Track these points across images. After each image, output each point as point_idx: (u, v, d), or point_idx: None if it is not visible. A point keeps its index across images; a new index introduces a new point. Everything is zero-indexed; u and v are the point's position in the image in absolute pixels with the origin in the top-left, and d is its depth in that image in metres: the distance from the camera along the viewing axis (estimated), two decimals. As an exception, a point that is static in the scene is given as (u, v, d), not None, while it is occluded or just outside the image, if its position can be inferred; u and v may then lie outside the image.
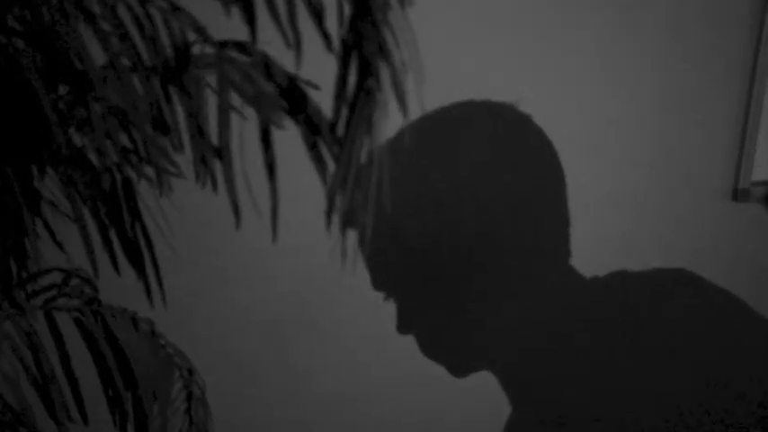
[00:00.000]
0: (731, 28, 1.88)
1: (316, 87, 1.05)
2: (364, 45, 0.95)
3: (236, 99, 1.33)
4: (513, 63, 1.74)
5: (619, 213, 1.95)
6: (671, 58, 1.85)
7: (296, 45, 0.93)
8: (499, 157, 1.80)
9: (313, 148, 1.06)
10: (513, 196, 1.83)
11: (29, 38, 1.15)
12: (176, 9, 1.00)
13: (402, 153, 1.61)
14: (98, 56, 1.35)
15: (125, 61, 1.13)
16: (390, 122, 1.57)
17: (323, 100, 1.40)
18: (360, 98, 0.97)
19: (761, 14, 1.89)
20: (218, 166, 1.46)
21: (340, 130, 1.02)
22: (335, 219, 1.56)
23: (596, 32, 1.78)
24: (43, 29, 1.12)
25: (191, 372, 1.54)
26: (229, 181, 1.08)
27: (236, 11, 1.28)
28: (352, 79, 0.99)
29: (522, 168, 1.82)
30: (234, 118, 1.34)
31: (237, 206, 1.08)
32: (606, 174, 1.90)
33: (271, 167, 1.08)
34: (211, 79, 1.34)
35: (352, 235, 1.64)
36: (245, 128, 1.37)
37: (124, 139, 1.24)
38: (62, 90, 1.23)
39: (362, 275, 1.77)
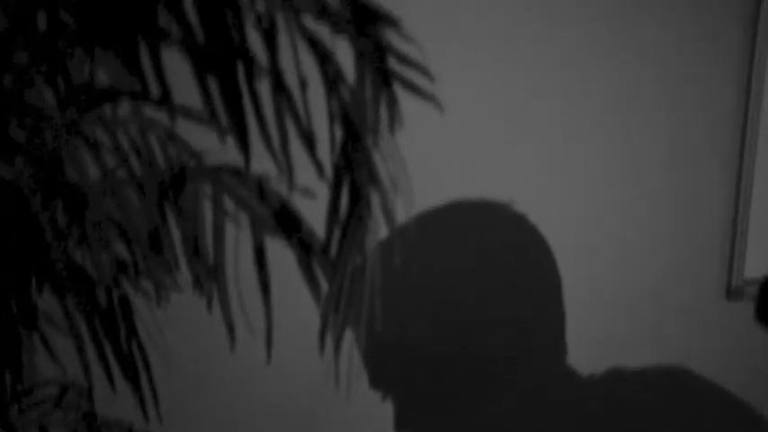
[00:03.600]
0: (718, 128, 1.92)
1: (311, 197, 1.07)
2: (355, 171, 0.98)
3: (230, 221, 1.36)
4: (509, 162, 1.77)
5: (613, 312, 1.95)
6: (664, 159, 1.89)
7: (288, 173, 0.96)
8: (494, 257, 1.81)
9: (306, 268, 1.08)
10: (509, 295, 1.84)
11: (29, 155, 1.18)
12: (173, 137, 1.03)
13: (399, 259, 1.63)
14: (95, 173, 1.38)
15: (122, 177, 1.16)
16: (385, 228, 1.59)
17: (316, 220, 1.43)
18: (351, 222, 1.00)
19: (744, 106, 1.93)
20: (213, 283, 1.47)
21: (333, 251, 1.04)
22: (329, 340, 1.57)
23: (590, 139, 1.82)
24: (44, 147, 1.15)
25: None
26: (224, 302, 1.10)
27: (231, 137, 1.31)
28: (345, 201, 1.02)
29: (517, 268, 1.84)
30: (229, 236, 1.36)
31: (232, 327, 1.09)
32: (600, 273, 1.91)
33: (265, 287, 1.09)
34: (207, 196, 1.37)
35: (345, 357, 1.64)
36: (239, 246, 1.39)
37: (122, 250, 1.25)
38: (60, 205, 1.25)
39: (360, 404, 1.77)
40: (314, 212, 1.45)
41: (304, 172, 1.46)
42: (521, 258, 1.83)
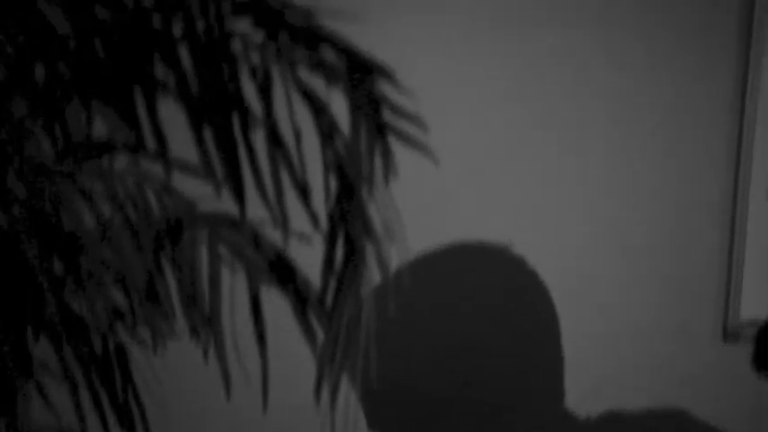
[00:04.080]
0: (711, 169, 1.93)
1: (307, 243, 1.07)
2: (349, 222, 0.98)
3: (226, 269, 1.37)
4: (504, 205, 1.78)
5: (609, 354, 1.95)
6: (659, 200, 1.90)
7: (283, 225, 0.97)
8: (490, 300, 1.81)
9: (302, 317, 1.08)
10: (506, 338, 1.84)
11: (26, 205, 1.18)
12: (169, 189, 1.04)
13: (393, 307, 1.63)
14: (91, 220, 1.38)
15: (118, 225, 1.16)
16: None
17: (312, 267, 1.43)
18: (347, 272, 1.00)
19: (737, 152, 1.94)
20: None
21: (328, 301, 1.04)
22: (325, 389, 1.57)
23: (585, 182, 1.83)
24: (41, 198, 1.16)
25: None
26: (220, 351, 1.10)
27: (226, 188, 1.32)
28: (340, 252, 1.02)
29: (514, 310, 1.84)
30: (224, 284, 1.36)
31: (228, 376, 1.09)
32: (595, 315, 1.91)
33: (261, 337, 1.10)
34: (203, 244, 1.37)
35: (342, 406, 1.64)
36: (235, 295, 1.40)
37: (118, 297, 1.25)
38: (56, 253, 1.25)
39: None
40: (309, 259, 1.46)
41: (299, 219, 1.47)
42: (517, 301, 1.84)
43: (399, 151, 1.46)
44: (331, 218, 1.00)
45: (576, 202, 1.84)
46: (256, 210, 1.41)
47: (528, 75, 1.72)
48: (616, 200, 1.87)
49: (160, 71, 1.14)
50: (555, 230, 1.83)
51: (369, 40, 1.47)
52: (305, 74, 1.04)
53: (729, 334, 2.01)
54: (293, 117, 0.99)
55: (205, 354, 1.09)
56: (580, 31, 1.75)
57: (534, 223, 1.81)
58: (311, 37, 1.03)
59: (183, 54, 1.16)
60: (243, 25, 1.09)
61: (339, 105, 1.06)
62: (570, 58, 1.76)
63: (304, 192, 0.99)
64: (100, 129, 1.25)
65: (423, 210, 1.61)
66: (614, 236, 1.88)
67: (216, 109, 1.08)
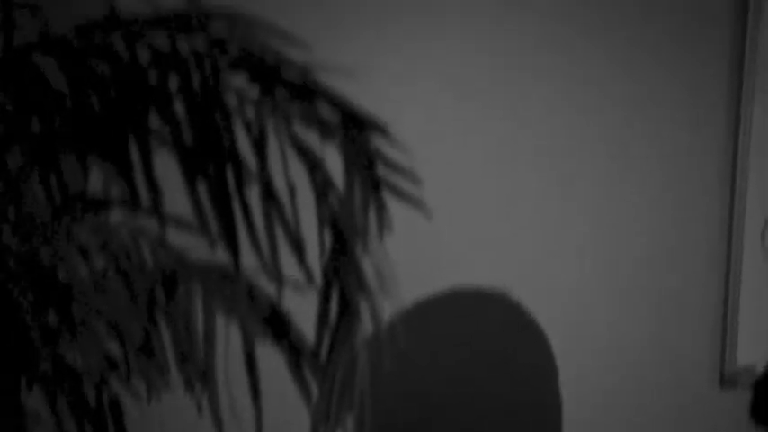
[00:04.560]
0: (706, 208, 1.94)
1: (302, 294, 1.07)
2: (344, 278, 0.99)
3: (220, 320, 1.37)
4: (497, 254, 1.78)
5: (606, 400, 1.94)
6: (652, 250, 1.90)
7: (278, 280, 0.97)
8: (489, 345, 1.81)
9: (296, 371, 1.08)
10: (506, 383, 1.83)
11: (21, 260, 1.18)
12: (164, 244, 1.04)
13: (388, 361, 1.63)
14: (85, 270, 1.38)
15: (112, 278, 1.16)
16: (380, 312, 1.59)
17: (306, 321, 1.43)
18: (341, 327, 1.00)
19: (730, 199, 1.94)
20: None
21: (323, 355, 1.04)
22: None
23: (580, 228, 1.83)
24: (36, 254, 1.16)
25: None
26: (214, 404, 1.09)
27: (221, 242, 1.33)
28: (334, 307, 1.02)
29: (512, 356, 1.84)
30: (219, 335, 1.36)
31: (222, 429, 1.09)
32: (591, 362, 1.91)
33: (255, 391, 1.09)
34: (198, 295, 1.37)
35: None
36: (230, 347, 1.39)
37: (113, 348, 1.25)
38: (50, 306, 1.25)
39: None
40: (303, 307, 1.46)
41: (294, 268, 1.47)
42: (513, 346, 1.83)
43: (393, 204, 1.47)
44: (325, 273, 1.00)
45: (571, 249, 1.84)
46: (252, 256, 1.41)
47: (520, 129, 1.73)
48: (609, 247, 1.87)
49: (155, 123, 1.14)
50: (549, 278, 1.83)
51: (363, 95, 1.49)
52: (300, 129, 1.05)
53: (726, 380, 2.00)
54: (288, 172, 1.00)
55: (199, 407, 1.09)
56: (574, 82, 1.77)
57: (528, 271, 1.82)
58: (306, 93, 1.04)
59: (179, 106, 1.17)
60: (238, 80, 1.10)
61: (334, 159, 1.07)
62: (564, 106, 1.77)
63: (298, 247, 0.99)
64: (96, 181, 1.25)
65: (416, 261, 1.62)
66: (609, 282, 1.88)
67: (210, 162, 1.08)
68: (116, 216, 1.12)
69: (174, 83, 1.13)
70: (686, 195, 1.91)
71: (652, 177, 1.88)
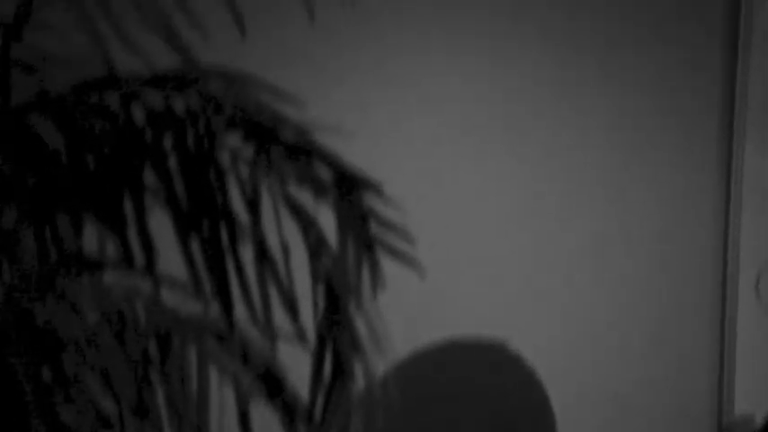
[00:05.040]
0: (699, 258, 1.94)
1: (298, 348, 1.07)
2: (337, 337, 0.99)
3: (214, 377, 1.36)
4: (492, 309, 1.78)
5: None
6: (648, 303, 1.91)
7: (271, 340, 0.97)
8: (486, 402, 1.80)
9: (291, 431, 1.07)
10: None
11: (14, 319, 1.18)
12: (157, 303, 1.04)
13: (384, 415, 1.62)
14: (80, 331, 1.38)
15: (107, 334, 1.16)
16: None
17: (300, 379, 1.43)
18: (335, 387, 1.00)
19: (724, 236, 1.94)
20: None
21: (317, 415, 1.04)
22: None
23: (573, 285, 1.84)
24: (30, 313, 1.16)
25: None
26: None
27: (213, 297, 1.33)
28: (328, 367, 1.02)
29: (510, 410, 1.83)
30: (213, 395, 1.35)
31: (215, 490, 1.08)
32: (589, 416, 1.90)
33: (249, 451, 1.08)
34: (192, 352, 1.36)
35: None
36: (224, 405, 1.38)
37: (108, 405, 1.24)
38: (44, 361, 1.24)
39: None
40: (298, 367, 1.45)
41: (288, 324, 1.46)
42: (512, 401, 1.82)
43: (387, 262, 1.47)
44: (319, 332, 1.00)
45: (568, 303, 1.84)
46: (246, 314, 1.41)
47: (514, 182, 1.74)
48: (605, 303, 1.87)
49: (150, 178, 1.15)
50: (546, 331, 1.83)
51: (356, 152, 1.50)
52: (293, 187, 1.05)
53: (724, 430, 1.99)
54: (281, 231, 1.00)
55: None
56: (565, 134, 1.79)
57: (523, 324, 1.81)
58: (301, 152, 1.05)
59: (173, 162, 1.18)
60: (233, 139, 1.11)
61: (327, 217, 1.07)
62: (560, 153, 1.79)
63: (292, 306, 0.99)
64: (91, 236, 1.26)
65: (411, 318, 1.62)
66: (605, 336, 1.88)
67: (204, 220, 1.09)
68: (111, 274, 1.12)
69: (168, 141, 1.14)
70: (680, 247, 1.92)
71: (648, 225, 1.89)
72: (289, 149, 1.05)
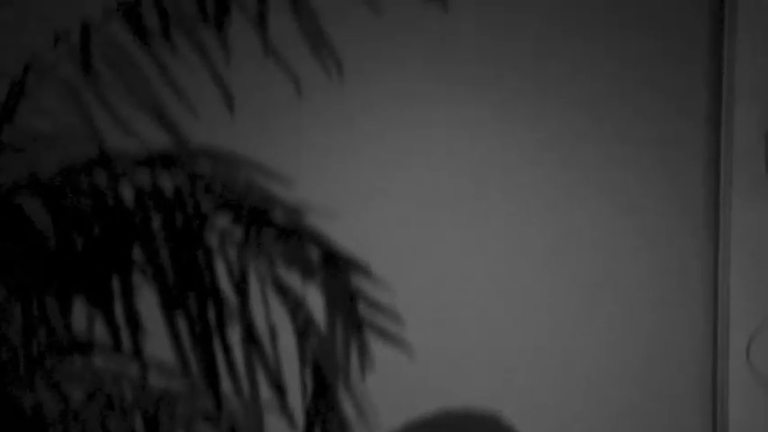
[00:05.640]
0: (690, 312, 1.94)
1: (291, 426, 1.06)
2: (326, 419, 0.98)
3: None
4: (487, 375, 1.77)
5: None
6: (637, 373, 1.90)
7: (259, 421, 0.96)
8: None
9: None
10: None
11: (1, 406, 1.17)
12: (145, 387, 1.03)
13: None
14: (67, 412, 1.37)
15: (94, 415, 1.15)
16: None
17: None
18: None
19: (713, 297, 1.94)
20: None
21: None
22: None
23: (567, 351, 1.83)
24: (18, 399, 1.15)
25: None
26: None
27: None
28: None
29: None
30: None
31: None
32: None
33: None
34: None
35: None
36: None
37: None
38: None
39: None
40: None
41: (275, 410, 1.45)
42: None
43: (375, 342, 1.47)
44: (307, 414, 1.00)
45: (557, 375, 1.83)
46: (233, 396, 1.40)
47: (496, 263, 1.75)
48: (593, 366, 1.87)
49: (138, 254, 1.15)
50: (536, 403, 1.82)
51: (344, 231, 1.51)
52: (281, 269, 1.06)
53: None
54: (269, 313, 1.00)
55: None
56: (552, 198, 1.80)
57: (513, 397, 1.81)
58: (290, 233, 1.06)
59: (161, 241, 1.18)
60: (222, 220, 1.11)
61: (315, 297, 1.07)
62: (547, 226, 1.80)
63: (279, 389, 0.99)
64: (79, 312, 1.25)
65: (399, 398, 1.61)
66: (596, 403, 1.87)
67: (192, 301, 1.09)
68: (99, 356, 1.12)
69: (157, 221, 1.15)
70: (671, 316, 1.92)
71: (638, 293, 1.89)
72: (278, 231, 1.06)
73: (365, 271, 1.05)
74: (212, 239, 1.10)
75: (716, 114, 1.92)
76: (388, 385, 1.57)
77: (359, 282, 1.05)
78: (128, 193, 1.19)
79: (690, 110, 1.92)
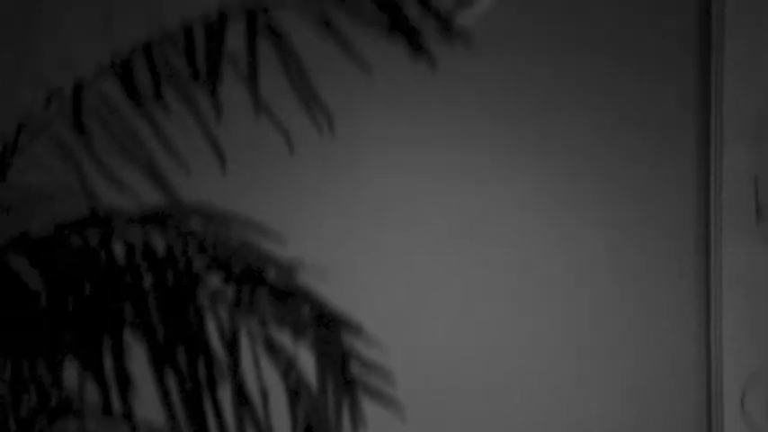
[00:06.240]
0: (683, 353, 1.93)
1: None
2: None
3: None
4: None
5: None
6: (632, 420, 1.89)
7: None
8: None
9: None
10: None
11: None
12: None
13: None
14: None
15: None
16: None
17: None
18: None
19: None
20: None
21: None
22: None
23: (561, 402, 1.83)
24: None
25: None
26: None
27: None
28: None
29: None
30: None
31: None
32: None
33: None
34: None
35: None
36: None
37: None
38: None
39: None
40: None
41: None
42: None
43: (367, 402, 1.46)
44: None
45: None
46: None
47: (490, 320, 1.75)
48: (583, 414, 1.86)
49: (128, 313, 1.15)
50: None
51: (335, 288, 1.51)
52: (273, 328, 1.06)
53: None
54: (260, 374, 1.00)
55: None
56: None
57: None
58: (282, 293, 1.06)
59: (152, 299, 1.18)
60: (213, 279, 1.11)
61: (307, 357, 1.07)
62: (534, 289, 1.80)
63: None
64: (71, 369, 1.24)
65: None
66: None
67: (183, 360, 1.08)
68: (89, 418, 1.11)
69: (148, 280, 1.15)
70: (662, 366, 1.91)
71: (628, 345, 1.89)
72: (270, 290, 1.06)
73: (357, 330, 1.05)
74: (204, 298, 1.10)
75: (705, 158, 1.93)
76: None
77: (351, 341, 1.05)
78: (120, 251, 1.19)
79: (680, 154, 1.92)
